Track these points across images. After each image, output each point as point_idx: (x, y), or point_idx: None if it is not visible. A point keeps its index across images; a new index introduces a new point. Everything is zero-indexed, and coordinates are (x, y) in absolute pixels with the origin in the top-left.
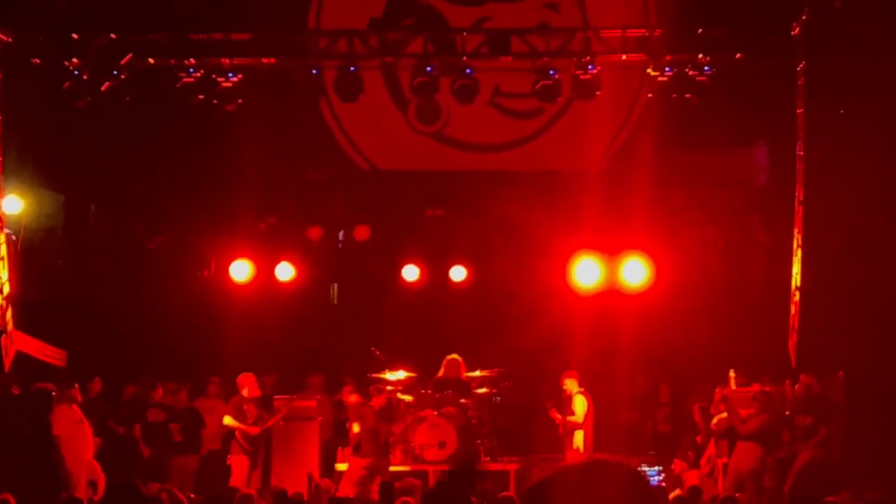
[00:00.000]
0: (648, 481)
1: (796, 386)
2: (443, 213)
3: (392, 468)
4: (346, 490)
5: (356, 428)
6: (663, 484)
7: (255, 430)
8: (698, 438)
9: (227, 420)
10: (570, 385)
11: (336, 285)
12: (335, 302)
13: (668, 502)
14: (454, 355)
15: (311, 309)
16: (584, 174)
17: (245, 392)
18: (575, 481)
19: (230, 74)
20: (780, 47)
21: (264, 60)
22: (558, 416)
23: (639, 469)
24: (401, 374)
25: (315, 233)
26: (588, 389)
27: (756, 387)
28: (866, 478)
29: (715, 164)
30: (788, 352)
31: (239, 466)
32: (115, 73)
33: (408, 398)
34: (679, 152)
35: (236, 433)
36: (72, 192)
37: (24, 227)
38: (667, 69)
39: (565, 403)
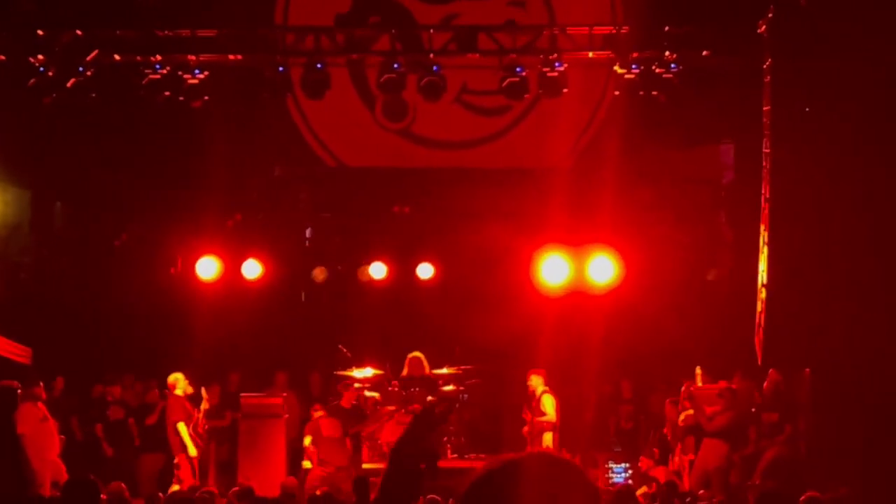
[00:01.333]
0: (589, 479)
1: (764, 383)
2: (410, 210)
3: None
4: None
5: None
6: (630, 481)
7: (200, 428)
8: (666, 430)
9: (181, 426)
10: (536, 383)
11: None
12: (302, 299)
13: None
14: (416, 353)
15: (279, 306)
16: (551, 171)
17: (179, 391)
18: (520, 476)
19: (196, 71)
20: (746, 45)
21: (231, 57)
22: (534, 418)
23: (578, 466)
24: (368, 372)
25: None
26: (555, 387)
27: (722, 384)
28: (832, 475)
29: (681, 161)
30: (755, 349)
31: (189, 465)
32: (81, 69)
33: (375, 395)
34: (646, 150)
35: (187, 432)
36: (38, 188)
37: None
38: (633, 66)
39: (532, 402)
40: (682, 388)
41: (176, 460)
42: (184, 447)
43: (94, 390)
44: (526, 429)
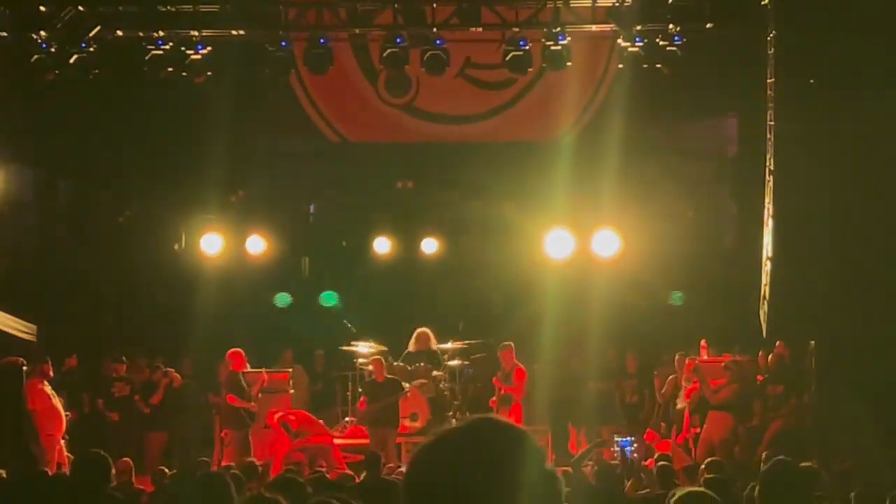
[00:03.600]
0: (532, 440)
1: (769, 356)
2: (413, 185)
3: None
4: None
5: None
6: (636, 455)
7: (254, 406)
8: (681, 404)
9: (245, 398)
10: (508, 358)
11: (307, 258)
12: (306, 275)
13: (545, 461)
14: (424, 328)
15: (283, 282)
16: (554, 145)
17: (234, 366)
18: (457, 445)
19: (199, 47)
20: (750, 17)
21: (233, 32)
22: (505, 387)
23: (521, 428)
24: (372, 347)
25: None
26: (559, 361)
27: (727, 357)
28: (837, 447)
29: (686, 135)
30: (760, 321)
31: (245, 441)
32: (84, 45)
33: None
34: (650, 123)
35: (241, 410)
36: (42, 166)
37: None
38: (637, 39)
39: (502, 375)
40: (688, 362)
41: (223, 434)
42: (242, 422)
43: (101, 367)
44: (494, 400)
